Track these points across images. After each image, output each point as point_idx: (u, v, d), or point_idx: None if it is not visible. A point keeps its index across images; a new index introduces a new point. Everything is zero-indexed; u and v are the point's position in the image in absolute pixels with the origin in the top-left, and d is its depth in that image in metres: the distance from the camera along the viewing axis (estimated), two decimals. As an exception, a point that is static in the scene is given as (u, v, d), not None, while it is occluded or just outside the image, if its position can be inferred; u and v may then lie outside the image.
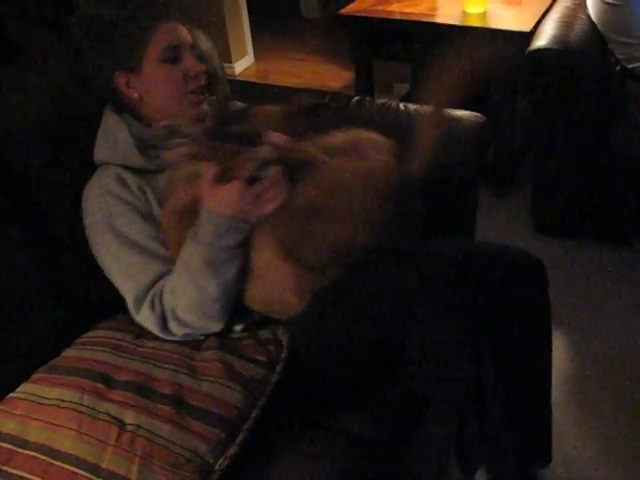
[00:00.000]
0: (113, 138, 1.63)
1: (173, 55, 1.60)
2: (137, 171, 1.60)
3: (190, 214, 1.45)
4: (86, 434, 1.29)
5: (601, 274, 2.67)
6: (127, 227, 1.53)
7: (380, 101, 2.08)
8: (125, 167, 1.60)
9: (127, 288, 1.51)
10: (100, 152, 1.64)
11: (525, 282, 1.55)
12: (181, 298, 1.44)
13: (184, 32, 1.64)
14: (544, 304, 1.60)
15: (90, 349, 1.50)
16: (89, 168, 1.63)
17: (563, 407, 2.10)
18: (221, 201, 1.40)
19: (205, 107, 1.65)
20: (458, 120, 1.95)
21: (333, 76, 4.76)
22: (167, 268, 1.50)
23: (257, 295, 1.48)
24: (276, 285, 1.45)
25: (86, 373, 1.41)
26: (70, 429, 1.31)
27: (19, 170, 1.58)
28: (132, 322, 1.53)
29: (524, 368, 1.55)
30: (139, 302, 1.49)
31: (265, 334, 1.49)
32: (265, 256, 1.43)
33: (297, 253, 1.42)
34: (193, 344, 1.48)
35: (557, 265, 2.65)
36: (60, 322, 1.61)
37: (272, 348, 1.45)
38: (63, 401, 1.36)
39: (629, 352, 2.31)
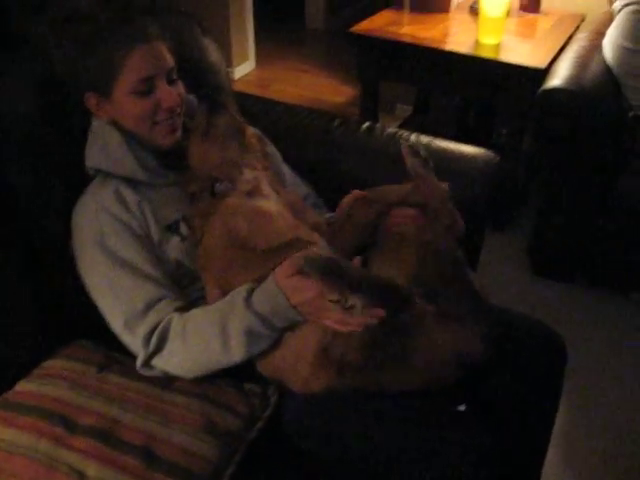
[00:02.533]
0: (103, 142, 1.51)
1: (145, 88, 1.46)
2: (133, 183, 1.50)
3: (241, 247, 1.38)
4: (43, 488, 1.17)
5: (595, 322, 2.60)
6: (120, 248, 1.42)
7: (391, 130, 1.99)
8: (123, 179, 1.49)
9: (116, 312, 1.40)
10: (90, 158, 1.52)
11: (543, 364, 1.47)
12: (193, 351, 1.35)
13: (162, 56, 1.49)
14: (557, 386, 1.52)
15: (48, 383, 1.37)
16: (81, 176, 1.53)
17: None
18: (295, 289, 1.29)
19: (178, 134, 1.53)
20: (471, 157, 1.88)
21: (334, 90, 4.69)
22: (161, 292, 1.40)
23: (272, 362, 1.38)
24: (297, 360, 1.34)
25: (43, 413, 1.28)
26: (24, 481, 1.18)
27: (7, 175, 1.47)
28: (94, 350, 1.44)
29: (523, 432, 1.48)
30: (128, 327, 1.38)
31: (252, 387, 1.38)
32: (300, 343, 1.34)
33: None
34: (163, 382, 1.37)
35: (550, 309, 2.61)
36: (43, 334, 1.51)
37: (256, 402, 1.35)
38: (17, 446, 1.23)
39: (617, 407, 2.25)
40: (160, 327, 1.36)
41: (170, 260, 1.47)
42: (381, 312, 1.25)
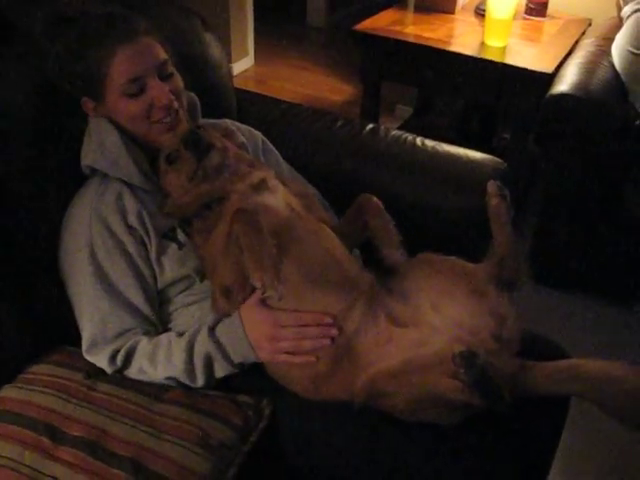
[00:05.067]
0: (99, 140, 1.46)
1: (135, 88, 1.42)
2: (132, 187, 1.45)
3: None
4: (26, 504, 1.12)
5: (596, 332, 2.54)
6: (108, 264, 1.40)
7: (395, 132, 1.95)
8: (123, 182, 1.45)
9: (86, 329, 1.39)
10: (86, 156, 1.48)
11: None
12: (163, 372, 1.35)
13: (150, 52, 1.44)
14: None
15: (34, 390, 1.32)
16: (77, 178, 1.48)
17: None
18: (254, 322, 1.30)
19: (182, 129, 1.48)
20: (478, 164, 1.83)
21: (333, 89, 4.63)
22: (135, 323, 1.39)
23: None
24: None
25: (29, 422, 1.24)
26: (6, 496, 1.13)
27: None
28: (82, 356, 1.40)
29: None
30: (94, 346, 1.38)
31: (246, 399, 1.34)
32: None
33: None
34: (154, 393, 1.34)
35: (551, 318, 2.55)
36: (29, 339, 1.46)
37: (251, 414, 1.30)
38: (1, 457, 1.18)
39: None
40: (127, 347, 1.37)
41: (166, 271, 1.43)
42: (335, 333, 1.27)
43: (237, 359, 1.32)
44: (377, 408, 1.27)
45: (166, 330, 1.44)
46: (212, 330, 1.33)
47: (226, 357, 1.32)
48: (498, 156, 1.93)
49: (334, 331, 1.27)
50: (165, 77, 1.47)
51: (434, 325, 1.29)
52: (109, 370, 1.37)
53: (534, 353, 1.31)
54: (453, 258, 1.43)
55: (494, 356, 1.22)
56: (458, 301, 1.33)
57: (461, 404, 1.20)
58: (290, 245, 1.30)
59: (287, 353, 1.30)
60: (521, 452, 1.35)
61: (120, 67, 1.40)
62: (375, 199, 1.46)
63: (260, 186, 1.40)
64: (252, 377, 1.38)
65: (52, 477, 1.14)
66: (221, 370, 1.34)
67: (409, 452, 1.28)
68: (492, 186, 1.45)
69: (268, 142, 1.76)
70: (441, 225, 1.78)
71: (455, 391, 1.18)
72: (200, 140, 1.40)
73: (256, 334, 1.30)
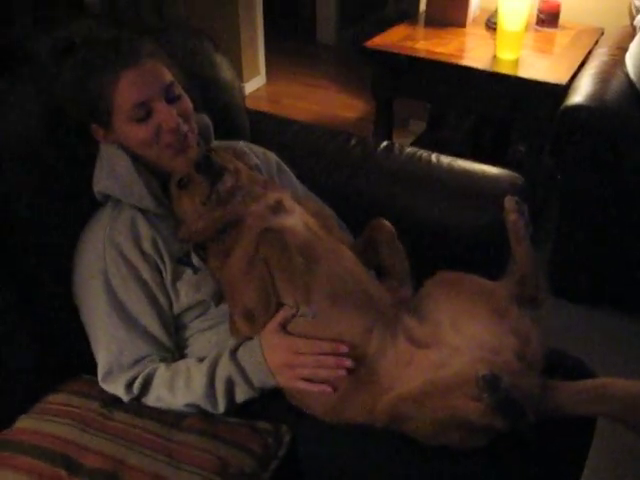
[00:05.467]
0: (111, 166, 1.45)
1: (142, 113, 1.41)
2: (146, 213, 1.44)
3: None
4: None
5: (621, 348, 2.49)
6: (122, 291, 1.38)
7: (410, 150, 1.93)
8: (137, 209, 1.43)
9: (102, 357, 1.38)
10: (98, 183, 1.47)
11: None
12: (182, 398, 1.34)
13: (155, 75, 1.42)
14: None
15: (50, 420, 1.30)
16: (88, 202, 1.48)
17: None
18: (274, 347, 1.30)
19: (191, 154, 1.45)
20: (495, 179, 1.81)
21: (346, 106, 4.63)
22: (152, 350, 1.38)
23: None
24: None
25: (44, 453, 1.21)
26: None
27: (5, 202, 1.41)
28: (99, 385, 1.40)
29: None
30: (110, 374, 1.37)
31: (265, 425, 1.32)
32: None
33: None
34: (172, 420, 1.32)
35: (575, 332, 2.51)
36: (46, 369, 1.45)
37: (271, 441, 1.27)
38: (15, 490, 1.16)
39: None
40: (144, 374, 1.35)
41: (182, 297, 1.41)
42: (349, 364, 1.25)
43: (257, 383, 1.31)
44: (399, 431, 1.24)
45: (182, 356, 1.43)
46: (234, 353, 1.32)
47: (247, 381, 1.31)
48: (513, 169, 1.91)
49: (348, 362, 1.25)
50: (172, 100, 1.45)
51: (455, 345, 1.27)
52: (126, 398, 1.36)
53: (558, 371, 1.28)
54: (472, 276, 1.41)
55: (518, 376, 1.19)
56: (479, 320, 1.31)
57: (484, 427, 1.18)
58: (310, 266, 1.29)
59: (305, 380, 1.28)
60: (546, 476, 1.31)
61: (125, 92, 1.39)
62: (388, 225, 1.44)
63: (277, 207, 1.39)
64: (271, 403, 1.37)
65: (69, 510, 1.12)
66: (242, 394, 1.32)
67: (434, 477, 1.25)
68: (510, 202, 1.44)
69: (282, 163, 1.74)
70: (459, 243, 1.76)
71: (478, 414, 1.15)
72: (212, 164, 1.38)
73: (275, 360, 1.29)
